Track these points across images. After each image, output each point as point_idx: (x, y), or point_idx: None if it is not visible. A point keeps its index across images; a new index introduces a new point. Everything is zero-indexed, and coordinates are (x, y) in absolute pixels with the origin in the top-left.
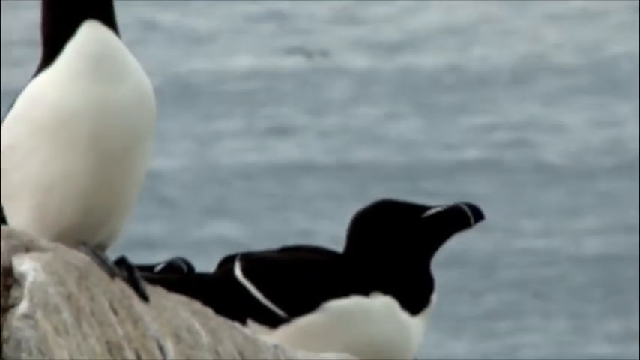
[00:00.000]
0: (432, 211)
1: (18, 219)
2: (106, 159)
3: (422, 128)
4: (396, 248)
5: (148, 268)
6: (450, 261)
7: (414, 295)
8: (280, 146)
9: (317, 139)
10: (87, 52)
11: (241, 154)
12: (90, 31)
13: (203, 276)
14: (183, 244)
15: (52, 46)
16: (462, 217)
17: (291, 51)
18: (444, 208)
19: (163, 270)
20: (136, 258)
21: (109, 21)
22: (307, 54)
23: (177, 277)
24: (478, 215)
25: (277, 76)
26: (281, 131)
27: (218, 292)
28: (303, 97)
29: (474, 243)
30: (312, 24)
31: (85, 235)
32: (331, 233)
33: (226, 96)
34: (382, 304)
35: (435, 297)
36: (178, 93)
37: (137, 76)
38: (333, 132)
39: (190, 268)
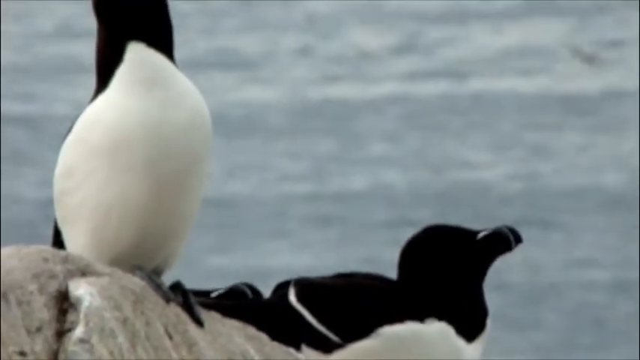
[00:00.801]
0: (481, 234)
1: (75, 243)
2: (163, 182)
3: None
4: (449, 273)
5: (204, 294)
6: None
7: (470, 320)
8: None
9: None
10: (136, 76)
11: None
12: (135, 55)
13: (257, 301)
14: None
15: (104, 71)
16: (505, 241)
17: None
18: (490, 231)
19: (226, 295)
20: None
21: (156, 42)
22: None
23: (232, 303)
24: (518, 238)
25: None
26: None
27: (272, 318)
28: None
29: None
30: None
31: (141, 259)
32: None
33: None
34: (437, 330)
35: (489, 322)
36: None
37: (192, 98)
38: None
39: (256, 292)
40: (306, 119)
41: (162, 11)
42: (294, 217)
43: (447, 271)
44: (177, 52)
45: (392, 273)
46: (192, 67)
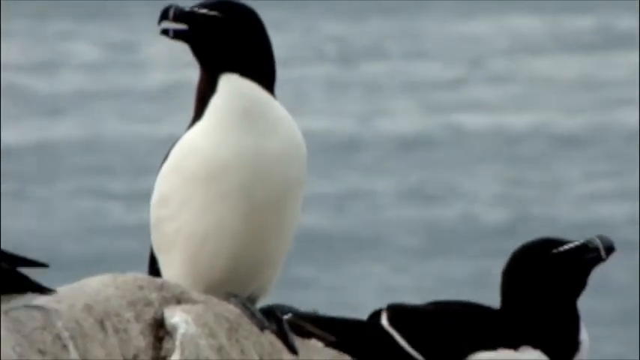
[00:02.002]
0: (569, 246)
1: (171, 271)
2: (258, 211)
3: None
4: (552, 294)
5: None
6: None
7: (564, 347)
8: None
9: None
10: (230, 106)
11: None
12: (228, 85)
13: (351, 322)
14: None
15: (200, 101)
16: (594, 252)
17: None
18: (578, 244)
19: None
20: None
21: (249, 72)
22: None
23: (327, 321)
24: (610, 248)
25: None
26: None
27: (364, 341)
28: None
29: None
30: None
31: (235, 287)
32: None
33: None
34: (531, 358)
35: (584, 337)
36: None
37: (287, 126)
38: None
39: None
40: None
41: (256, 42)
42: None
43: (551, 291)
44: None
45: None
46: None
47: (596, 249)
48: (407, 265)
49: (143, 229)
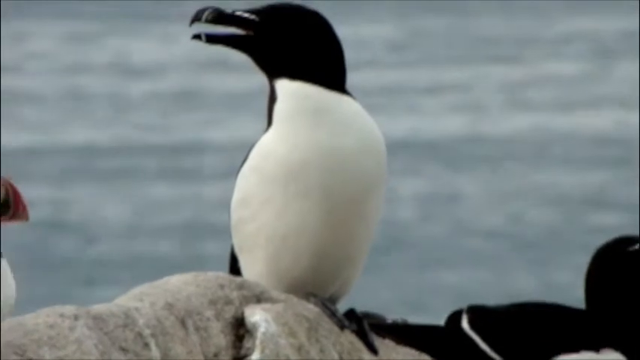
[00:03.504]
0: None
1: (251, 270)
2: (338, 208)
3: None
4: (629, 296)
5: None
6: None
7: None
8: None
9: None
10: (292, 109)
11: None
12: (284, 90)
13: (430, 327)
14: None
15: (268, 107)
16: None
17: None
18: None
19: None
20: None
21: (304, 75)
22: None
23: (405, 327)
24: None
25: None
26: None
27: (445, 344)
28: None
29: None
30: None
31: (316, 287)
32: None
33: None
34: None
35: None
36: None
37: (361, 122)
38: None
39: None
40: None
41: (304, 44)
42: None
43: (633, 291)
44: None
45: None
46: None
47: None
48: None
49: None
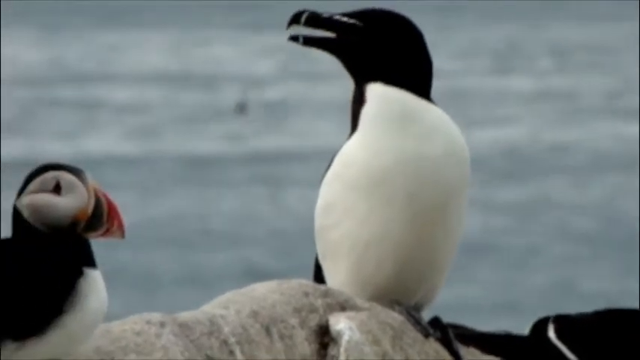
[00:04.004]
0: None
1: (335, 277)
2: (422, 216)
3: None
4: None
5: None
6: None
7: None
8: None
9: None
10: (380, 114)
11: None
12: (375, 94)
13: (515, 337)
14: None
15: (353, 112)
16: None
17: None
18: None
19: None
20: None
21: (396, 80)
22: None
23: (489, 336)
24: None
25: None
26: None
27: (530, 353)
28: None
29: None
30: None
31: (401, 294)
32: None
33: None
34: None
35: None
36: None
37: (446, 129)
38: None
39: None
40: None
41: (400, 50)
42: None
43: None
44: None
45: None
46: None
47: None
48: None
49: None
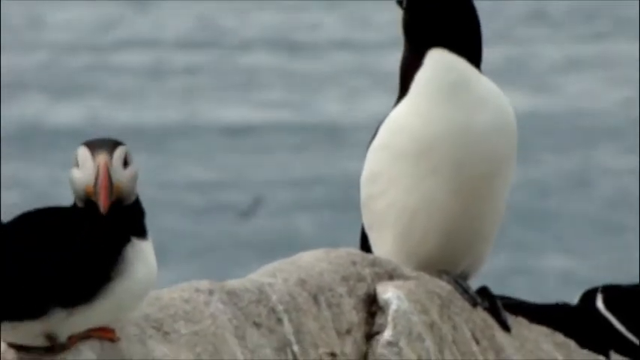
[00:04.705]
0: None
1: (382, 247)
2: (469, 185)
3: None
4: None
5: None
6: None
7: None
8: None
9: None
10: (435, 80)
11: None
12: (434, 60)
13: (564, 307)
14: None
15: (405, 77)
16: None
17: None
18: None
19: None
20: None
21: (457, 47)
22: None
23: (538, 306)
24: None
25: None
26: None
27: (579, 324)
28: None
29: None
30: None
31: (447, 263)
32: None
33: None
34: None
35: None
36: None
37: (496, 100)
38: None
39: None
40: None
41: (464, 17)
42: None
43: None
44: None
45: None
46: None
47: None
48: None
49: None
